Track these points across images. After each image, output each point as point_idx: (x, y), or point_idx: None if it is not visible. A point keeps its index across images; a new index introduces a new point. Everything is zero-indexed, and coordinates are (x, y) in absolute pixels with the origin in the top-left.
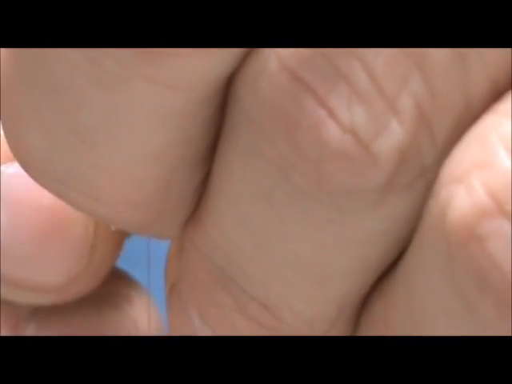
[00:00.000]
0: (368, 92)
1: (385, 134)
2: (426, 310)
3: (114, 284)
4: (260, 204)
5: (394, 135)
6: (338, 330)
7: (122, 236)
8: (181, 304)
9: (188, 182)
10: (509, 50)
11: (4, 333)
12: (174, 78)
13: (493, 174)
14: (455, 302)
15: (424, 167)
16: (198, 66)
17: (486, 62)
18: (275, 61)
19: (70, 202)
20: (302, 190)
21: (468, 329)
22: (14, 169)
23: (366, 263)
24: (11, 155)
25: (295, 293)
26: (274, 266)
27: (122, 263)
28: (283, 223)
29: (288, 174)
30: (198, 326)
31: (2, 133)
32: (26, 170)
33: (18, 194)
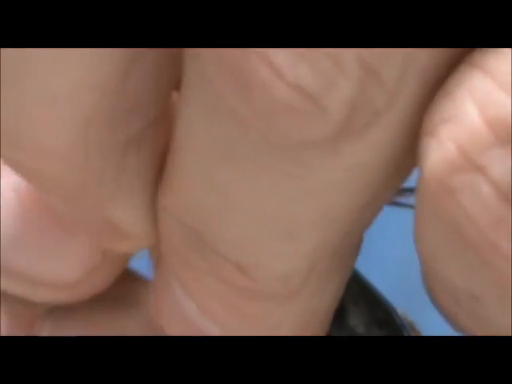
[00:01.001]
0: (312, 50)
1: (332, 88)
2: None
3: (127, 282)
4: (223, 161)
5: (340, 88)
6: (312, 285)
7: None
8: (163, 276)
9: (108, 139)
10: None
11: (19, 332)
12: None
13: (460, 128)
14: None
15: (376, 114)
16: None
17: None
18: None
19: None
20: (259, 145)
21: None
22: None
23: (331, 214)
24: None
25: (266, 250)
26: (242, 224)
27: None
28: (246, 180)
29: (245, 130)
30: (180, 295)
31: None
32: None
33: (34, 188)
